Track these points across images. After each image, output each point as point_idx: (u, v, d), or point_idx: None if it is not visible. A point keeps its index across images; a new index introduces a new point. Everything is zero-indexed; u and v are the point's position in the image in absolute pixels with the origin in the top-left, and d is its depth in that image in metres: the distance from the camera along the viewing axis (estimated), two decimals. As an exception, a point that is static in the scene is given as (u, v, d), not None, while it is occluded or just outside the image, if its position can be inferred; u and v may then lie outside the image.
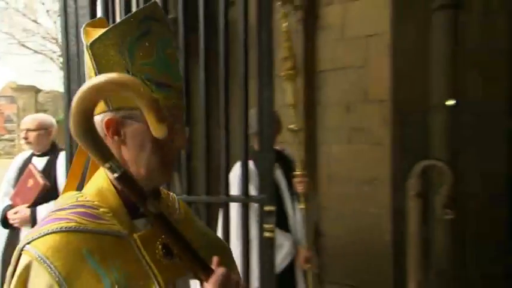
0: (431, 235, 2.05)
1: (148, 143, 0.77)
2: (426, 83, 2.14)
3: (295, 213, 2.15)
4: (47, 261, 0.67)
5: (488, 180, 2.00)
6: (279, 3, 2.27)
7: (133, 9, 1.94)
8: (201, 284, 0.75)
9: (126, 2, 1.91)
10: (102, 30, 0.78)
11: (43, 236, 0.70)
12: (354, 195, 2.72)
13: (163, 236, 0.78)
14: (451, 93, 2.06)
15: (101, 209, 0.75)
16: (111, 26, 0.77)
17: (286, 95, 2.20)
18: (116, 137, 0.77)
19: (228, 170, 1.81)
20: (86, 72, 0.83)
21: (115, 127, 0.76)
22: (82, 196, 0.78)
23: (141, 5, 1.89)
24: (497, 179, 2.00)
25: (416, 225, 1.90)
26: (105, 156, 0.71)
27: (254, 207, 1.86)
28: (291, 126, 2.25)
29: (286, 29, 2.20)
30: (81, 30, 0.81)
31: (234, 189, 1.96)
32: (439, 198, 1.86)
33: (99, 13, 1.92)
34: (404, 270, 1.94)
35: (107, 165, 0.70)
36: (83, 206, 0.74)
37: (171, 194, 0.99)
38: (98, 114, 0.76)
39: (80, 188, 0.86)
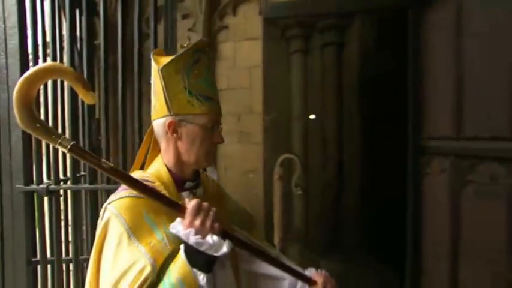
0: (290, 206, 2.36)
1: (197, 139, 0.83)
2: (289, 101, 2.41)
3: None
4: (120, 216, 0.76)
5: (326, 168, 2.36)
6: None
7: (64, 32, 1.85)
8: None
9: (53, 25, 1.83)
10: (165, 58, 0.84)
11: (118, 199, 0.78)
12: (243, 181, 2.96)
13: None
14: (304, 109, 2.38)
15: (156, 183, 0.82)
16: (175, 56, 0.82)
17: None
18: (174, 134, 0.83)
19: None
20: (153, 90, 0.86)
21: (174, 127, 0.82)
22: (145, 174, 0.84)
23: (67, 29, 1.83)
24: (331, 167, 2.36)
25: (279, 199, 2.19)
26: (54, 137, 0.73)
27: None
28: None
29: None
30: (151, 57, 0.85)
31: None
32: (293, 180, 2.18)
33: (29, 32, 1.80)
34: (272, 230, 2.21)
35: (58, 143, 0.72)
36: (145, 180, 0.80)
37: (208, 175, 1.03)
38: (162, 117, 0.83)
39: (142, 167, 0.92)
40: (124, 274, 0.71)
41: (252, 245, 0.89)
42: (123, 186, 0.82)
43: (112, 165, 0.76)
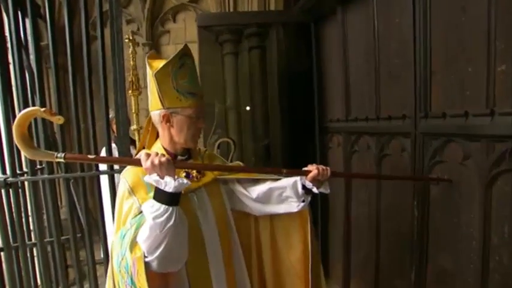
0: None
1: (185, 126, 0.95)
2: (224, 95, 2.57)
3: None
4: (124, 179, 0.93)
5: (256, 147, 2.59)
6: (127, 40, 2.38)
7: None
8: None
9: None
10: (156, 62, 0.95)
11: (127, 169, 0.96)
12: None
13: (185, 169, 0.99)
14: (236, 101, 2.56)
15: None
16: (165, 62, 0.92)
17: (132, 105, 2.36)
18: (168, 123, 0.95)
19: (96, 152, 1.80)
20: (149, 88, 0.96)
21: (167, 118, 0.94)
22: (148, 151, 0.93)
23: (11, 30, 1.74)
24: (260, 147, 2.58)
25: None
26: (50, 153, 0.84)
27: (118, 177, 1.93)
28: (133, 126, 2.42)
29: (132, 63, 2.32)
30: (146, 62, 0.95)
31: (103, 166, 1.94)
32: (229, 158, 2.41)
33: None
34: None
35: (55, 155, 0.84)
36: (146, 154, 0.88)
37: (201, 148, 1.16)
38: (157, 110, 0.94)
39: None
40: (125, 217, 0.89)
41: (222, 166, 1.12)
42: None
43: (94, 155, 0.93)
